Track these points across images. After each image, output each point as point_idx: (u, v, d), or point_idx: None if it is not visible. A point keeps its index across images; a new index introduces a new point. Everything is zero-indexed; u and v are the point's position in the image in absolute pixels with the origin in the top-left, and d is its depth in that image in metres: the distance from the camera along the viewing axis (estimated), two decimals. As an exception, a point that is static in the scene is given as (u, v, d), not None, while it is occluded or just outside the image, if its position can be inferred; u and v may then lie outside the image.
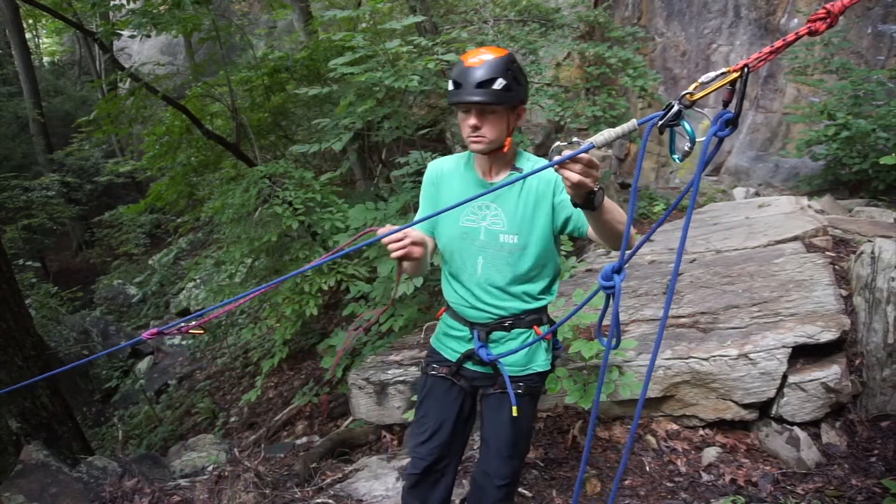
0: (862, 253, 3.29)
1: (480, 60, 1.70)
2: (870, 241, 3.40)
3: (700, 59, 9.24)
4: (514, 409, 1.88)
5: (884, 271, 2.91)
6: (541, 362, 1.97)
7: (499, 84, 1.68)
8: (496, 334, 1.94)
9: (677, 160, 1.09)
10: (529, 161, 1.90)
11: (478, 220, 1.88)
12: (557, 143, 1.31)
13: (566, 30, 7.87)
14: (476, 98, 1.69)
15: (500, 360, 1.92)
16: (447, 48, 5.28)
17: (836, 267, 3.59)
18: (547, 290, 1.96)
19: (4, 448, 3.47)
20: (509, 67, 1.70)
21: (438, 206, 1.95)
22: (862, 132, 5.91)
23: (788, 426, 2.81)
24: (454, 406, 2.05)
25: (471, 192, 1.88)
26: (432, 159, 4.80)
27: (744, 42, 8.71)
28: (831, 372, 2.76)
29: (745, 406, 2.87)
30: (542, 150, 11.23)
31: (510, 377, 1.92)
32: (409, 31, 6.20)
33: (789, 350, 2.83)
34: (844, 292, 3.28)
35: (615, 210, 1.59)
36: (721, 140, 0.99)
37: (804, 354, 2.88)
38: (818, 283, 3.31)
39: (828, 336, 2.84)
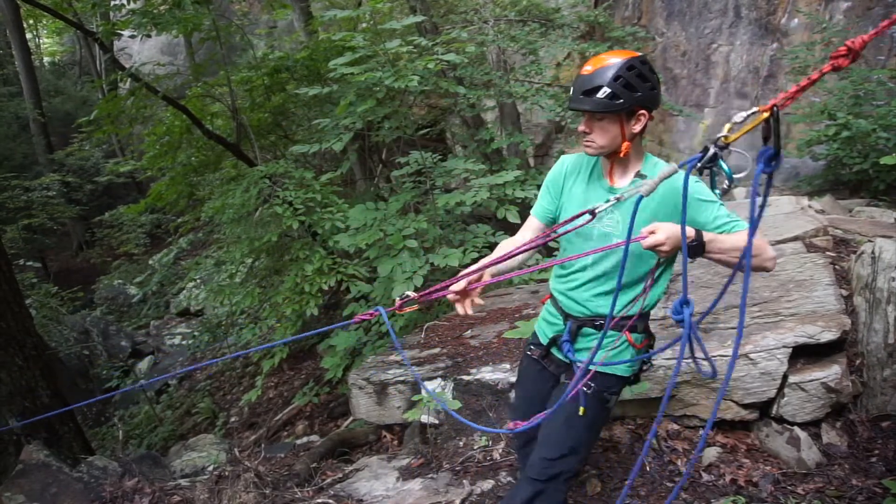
0: (862, 253, 3.29)
1: (591, 69, 1.72)
2: (870, 241, 3.39)
3: (700, 58, 9.24)
4: (581, 409, 1.85)
5: (884, 271, 2.91)
6: (622, 367, 1.92)
7: (602, 93, 1.68)
8: (586, 330, 1.94)
9: (718, 196, 1.14)
10: (656, 167, 1.84)
11: (594, 222, 1.80)
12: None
13: (566, 30, 7.87)
14: (579, 106, 1.74)
15: (578, 361, 1.89)
16: (447, 48, 5.28)
17: (837, 267, 3.59)
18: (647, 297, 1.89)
19: (5, 448, 3.46)
20: (620, 75, 1.68)
21: (563, 199, 1.99)
22: (862, 132, 5.90)
23: (789, 426, 2.81)
24: (543, 391, 2.10)
25: (594, 191, 1.91)
26: (432, 159, 4.85)
27: (744, 42, 8.71)
28: (832, 372, 2.76)
29: (746, 406, 2.87)
30: (542, 150, 11.23)
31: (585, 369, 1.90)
32: (409, 31, 6.21)
33: (790, 350, 2.82)
34: (845, 292, 3.28)
35: (726, 251, 1.68)
36: (771, 176, 1.01)
37: (804, 354, 2.87)
38: (818, 283, 3.30)
39: (828, 336, 2.84)
